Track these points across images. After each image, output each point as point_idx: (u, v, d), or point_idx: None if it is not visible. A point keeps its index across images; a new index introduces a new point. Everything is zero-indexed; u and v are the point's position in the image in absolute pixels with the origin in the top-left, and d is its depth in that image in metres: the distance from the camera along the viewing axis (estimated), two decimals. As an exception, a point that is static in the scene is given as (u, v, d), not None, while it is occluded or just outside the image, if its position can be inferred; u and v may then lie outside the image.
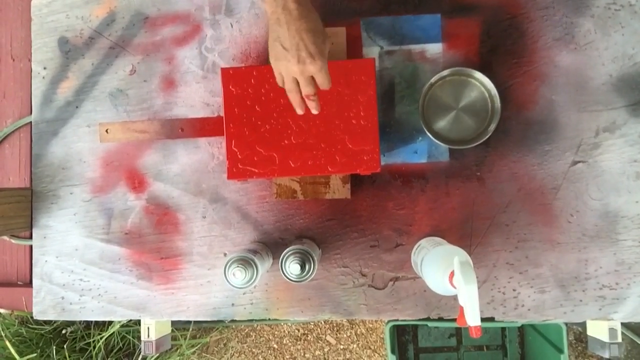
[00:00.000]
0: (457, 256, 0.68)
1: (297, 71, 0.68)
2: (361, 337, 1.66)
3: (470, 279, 0.66)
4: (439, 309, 0.90)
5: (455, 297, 0.89)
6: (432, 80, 0.86)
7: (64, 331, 1.40)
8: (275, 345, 1.68)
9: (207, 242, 0.92)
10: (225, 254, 0.92)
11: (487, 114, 0.88)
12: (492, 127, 0.85)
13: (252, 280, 0.78)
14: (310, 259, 0.79)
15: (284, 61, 0.68)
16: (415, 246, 0.87)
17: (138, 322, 1.40)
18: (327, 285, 0.91)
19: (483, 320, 0.90)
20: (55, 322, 1.41)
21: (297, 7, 0.64)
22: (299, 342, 1.68)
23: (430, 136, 0.87)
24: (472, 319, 0.66)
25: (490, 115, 0.88)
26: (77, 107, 0.95)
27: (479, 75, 0.86)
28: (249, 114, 0.82)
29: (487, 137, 0.86)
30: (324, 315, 0.92)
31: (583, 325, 1.09)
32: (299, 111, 0.75)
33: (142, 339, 0.93)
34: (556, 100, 0.89)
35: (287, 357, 1.67)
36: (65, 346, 1.34)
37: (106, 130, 0.91)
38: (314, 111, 0.74)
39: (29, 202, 0.95)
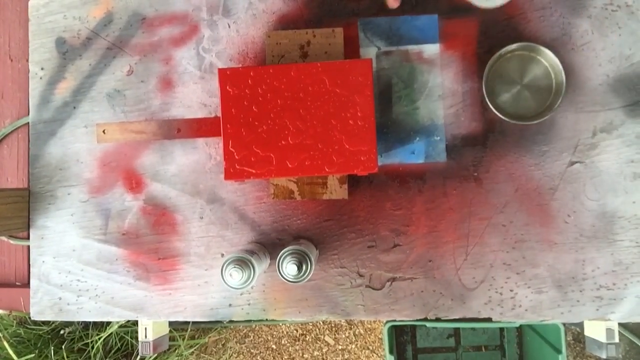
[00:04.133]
0: None
1: None
2: (360, 337, 1.66)
3: None
4: (436, 309, 0.90)
5: (452, 298, 0.89)
6: (501, 51, 0.87)
7: (62, 332, 1.40)
8: (273, 346, 1.68)
9: (204, 243, 0.93)
10: (222, 255, 0.92)
11: (550, 94, 0.88)
12: (558, 104, 0.85)
13: (249, 281, 0.78)
14: (308, 259, 0.79)
15: None
16: None
17: (136, 323, 1.39)
18: (325, 286, 0.91)
19: (480, 320, 0.90)
20: (53, 322, 1.41)
21: None
22: (297, 343, 1.68)
23: (492, 107, 0.86)
24: None
25: (555, 93, 0.88)
26: (74, 107, 0.95)
27: (547, 52, 0.87)
28: (246, 115, 0.82)
29: (549, 114, 0.86)
30: (322, 316, 0.91)
31: (581, 325, 1.09)
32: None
33: (140, 339, 0.93)
34: (553, 100, 0.89)
35: (286, 357, 1.67)
36: (63, 347, 1.34)
37: (103, 131, 0.91)
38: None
39: (26, 203, 0.95)
